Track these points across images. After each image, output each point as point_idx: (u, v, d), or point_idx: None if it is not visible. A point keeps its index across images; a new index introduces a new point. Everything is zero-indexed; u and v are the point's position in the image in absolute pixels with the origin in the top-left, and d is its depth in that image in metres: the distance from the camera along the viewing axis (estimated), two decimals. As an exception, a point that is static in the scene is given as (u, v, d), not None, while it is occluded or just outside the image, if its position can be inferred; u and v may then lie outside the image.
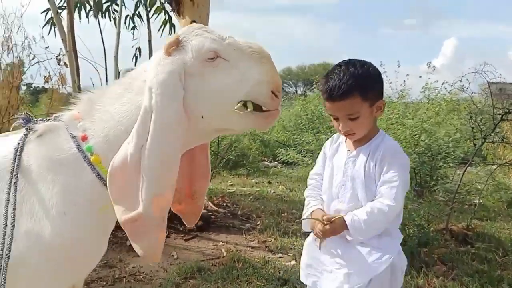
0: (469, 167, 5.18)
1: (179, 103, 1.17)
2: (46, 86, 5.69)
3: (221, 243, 3.83)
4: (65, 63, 4.72)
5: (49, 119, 1.34)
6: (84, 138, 1.25)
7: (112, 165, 1.16)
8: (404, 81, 8.50)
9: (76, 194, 1.22)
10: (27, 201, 1.21)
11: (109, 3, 5.56)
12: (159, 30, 6.15)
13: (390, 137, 1.65)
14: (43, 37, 4.97)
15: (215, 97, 1.21)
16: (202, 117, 1.22)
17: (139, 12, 5.68)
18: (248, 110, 1.21)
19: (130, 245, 3.51)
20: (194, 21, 4.44)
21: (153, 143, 1.14)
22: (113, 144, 1.22)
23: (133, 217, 1.13)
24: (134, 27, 5.71)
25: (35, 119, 1.34)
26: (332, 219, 1.53)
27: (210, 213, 4.59)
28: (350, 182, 1.57)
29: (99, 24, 5.23)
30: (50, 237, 1.19)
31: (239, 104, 1.20)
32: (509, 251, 3.79)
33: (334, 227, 1.53)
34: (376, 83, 1.60)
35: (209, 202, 5.02)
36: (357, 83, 1.51)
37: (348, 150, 1.64)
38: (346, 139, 1.67)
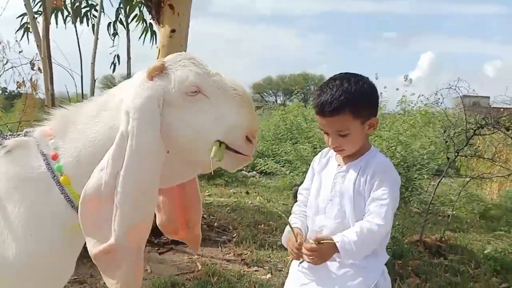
0: (443, 179, 5.29)
1: (157, 130, 1.13)
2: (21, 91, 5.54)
3: (196, 256, 3.78)
4: (39, 69, 4.61)
5: (19, 134, 1.30)
6: (55, 157, 1.21)
7: (84, 194, 1.11)
8: (381, 93, 8.68)
9: (43, 215, 1.18)
10: None
11: (87, 9, 5.48)
12: (139, 38, 6.10)
13: (382, 154, 1.62)
14: (17, 41, 4.85)
15: (188, 132, 1.18)
16: (168, 152, 1.17)
17: (120, 19, 5.62)
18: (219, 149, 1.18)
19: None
20: (173, 30, 4.42)
21: (129, 169, 1.09)
22: (84, 165, 1.18)
23: (105, 248, 1.08)
24: (115, 34, 5.65)
25: (4, 134, 1.30)
26: (321, 241, 1.46)
27: (186, 225, 4.53)
28: (338, 198, 1.53)
29: (75, 30, 5.13)
30: (15, 258, 1.15)
31: (214, 144, 1.17)
32: (481, 263, 3.86)
33: (322, 254, 1.46)
34: (369, 100, 1.55)
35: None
36: (348, 101, 1.47)
37: (338, 165, 1.60)
38: (336, 154, 1.64)
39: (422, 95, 6.34)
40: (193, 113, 1.17)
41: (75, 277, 3.05)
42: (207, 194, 6.59)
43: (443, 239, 4.39)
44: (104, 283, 3.13)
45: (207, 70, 1.21)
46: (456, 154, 4.51)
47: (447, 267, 3.74)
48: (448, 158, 4.68)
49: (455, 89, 4.26)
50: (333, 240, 1.45)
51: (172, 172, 1.22)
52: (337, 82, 1.50)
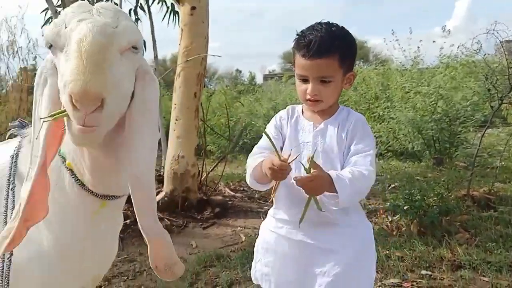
0: (489, 129, 5.05)
1: (48, 93, 1.06)
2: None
3: (239, 228, 3.84)
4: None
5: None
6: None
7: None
8: (418, 47, 8.34)
9: (63, 199, 1.18)
10: None
11: (107, -1, 5.54)
12: (163, 19, 6.11)
13: (354, 110, 1.53)
14: (43, 36, 4.97)
15: (48, 95, 1.06)
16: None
17: (141, 4, 5.65)
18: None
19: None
20: (194, 7, 4.39)
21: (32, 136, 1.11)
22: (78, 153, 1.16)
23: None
24: (137, 19, 5.69)
25: (24, 122, 1.33)
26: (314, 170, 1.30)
27: (227, 199, 4.60)
28: (321, 159, 1.42)
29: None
30: (48, 244, 1.19)
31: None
32: (534, 212, 3.69)
33: (321, 181, 1.29)
34: (354, 50, 1.49)
35: (226, 188, 5.04)
36: (339, 44, 1.40)
37: (313, 124, 1.49)
38: (302, 112, 1.53)
39: (462, 45, 6.00)
40: (59, 70, 1.03)
41: (125, 256, 3.18)
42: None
43: (492, 191, 4.22)
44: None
45: (76, 17, 1.00)
46: (500, 101, 4.26)
47: (498, 220, 3.60)
48: (491, 107, 4.45)
49: (493, 33, 3.99)
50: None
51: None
52: (323, 26, 1.43)
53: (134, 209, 1.08)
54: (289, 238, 1.46)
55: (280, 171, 1.32)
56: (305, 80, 1.44)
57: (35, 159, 1.06)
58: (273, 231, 1.51)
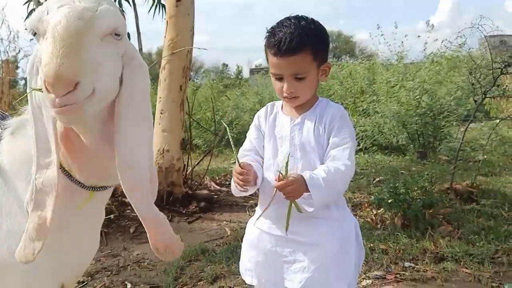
0: (472, 124, 5.11)
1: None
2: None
3: (224, 222, 3.83)
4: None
5: (20, 114, 1.30)
6: None
7: None
8: (402, 42, 8.41)
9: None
10: (6, 201, 1.19)
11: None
12: (149, 11, 6.04)
13: (333, 102, 1.52)
14: (26, 29, 4.87)
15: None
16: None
17: (125, -4, 5.56)
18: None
19: (134, 232, 3.52)
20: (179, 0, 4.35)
21: (32, 127, 1.10)
22: None
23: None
24: (121, 12, 5.61)
25: (3, 114, 1.30)
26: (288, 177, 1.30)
27: (213, 193, 4.59)
28: (299, 152, 1.42)
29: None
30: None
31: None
32: (515, 205, 3.76)
33: (297, 186, 1.29)
34: (326, 42, 1.46)
35: (211, 182, 5.02)
36: (310, 39, 1.37)
37: (291, 118, 1.48)
38: (282, 108, 1.53)
39: (446, 39, 6.06)
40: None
41: (109, 251, 3.15)
42: (232, 162, 6.63)
43: (474, 184, 4.28)
44: (137, 254, 3.21)
45: (58, 3, 0.99)
46: (483, 96, 4.32)
47: (480, 213, 3.66)
48: (475, 101, 4.50)
49: (478, 27, 4.03)
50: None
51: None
52: (293, 21, 1.40)
53: (124, 191, 1.10)
54: (271, 233, 1.46)
55: (241, 179, 1.36)
56: (280, 78, 1.42)
57: (43, 155, 1.08)
58: (257, 227, 1.51)
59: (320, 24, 1.45)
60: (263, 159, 1.52)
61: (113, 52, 1.04)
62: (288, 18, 1.42)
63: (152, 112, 1.19)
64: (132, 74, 1.09)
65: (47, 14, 0.98)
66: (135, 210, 1.11)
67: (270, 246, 1.46)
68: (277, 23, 1.43)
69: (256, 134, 1.54)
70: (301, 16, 1.44)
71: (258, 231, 1.50)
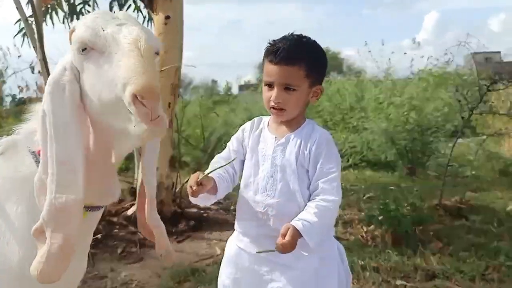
0: (460, 140, 5.16)
1: (71, 101, 1.06)
2: (25, 96, 5.57)
3: (214, 241, 3.77)
4: (39, 71, 4.61)
5: (8, 135, 1.28)
6: (39, 153, 1.17)
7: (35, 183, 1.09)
8: (389, 59, 8.54)
9: (39, 214, 1.15)
10: None
11: (81, 5, 5.43)
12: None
13: (320, 126, 1.52)
14: (15, 45, 4.84)
15: (91, 95, 1.07)
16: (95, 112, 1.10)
17: (114, 12, 5.57)
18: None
19: (122, 252, 3.44)
20: (168, 17, 4.35)
21: (52, 147, 1.04)
22: None
23: (37, 227, 1.05)
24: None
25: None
26: (283, 233, 1.30)
27: (202, 211, 4.53)
28: (279, 173, 1.41)
29: (69, 27, 5.09)
30: (19, 260, 1.14)
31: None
32: (504, 220, 3.77)
33: (293, 242, 1.29)
34: (323, 63, 1.50)
35: (201, 200, 4.96)
36: (308, 54, 1.42)
37: (275, 137, 1.47)
38: (268, 125, 1.52)
39: (431, 56, 6.17)
40: (89, 73, 1.06)
41: (96, 273, 3.07)
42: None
43: (463, 200, 4.30)
44: (125, 275, 3.14)
45: (109, 23, 1.03)
46: (470, 112, 4.37)
47: (469, 228, 3.67)
48: (462, 118, 4.55)
49: (464, 45, 4.10)
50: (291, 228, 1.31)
51: (102, 143, 1.14)
52: (295, 37, 1.45)
53: (145, 203, 1.26)
54: (248, 252, 1.46)
55: (193, 189, 1.35)
56: (270, 86, 1.43)
57: (65, 174, 1.05)
58: (235, 244, 1.51)
59: (320, 47, 1.48)
60: (235, 171, 1.53)
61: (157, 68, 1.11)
62: (292, 34, 1.46)
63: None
64: None
65: (103, 30, 1.02)
66: (149, 220, 1.26)
67: (248, 264, 1.45)
68: (280, 38, 1.46)
69: (236, 147, 1.54)
70: (305, 35, 1.47)
71: (237, 248, 1.50)
